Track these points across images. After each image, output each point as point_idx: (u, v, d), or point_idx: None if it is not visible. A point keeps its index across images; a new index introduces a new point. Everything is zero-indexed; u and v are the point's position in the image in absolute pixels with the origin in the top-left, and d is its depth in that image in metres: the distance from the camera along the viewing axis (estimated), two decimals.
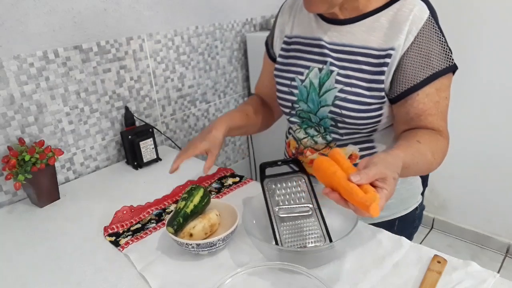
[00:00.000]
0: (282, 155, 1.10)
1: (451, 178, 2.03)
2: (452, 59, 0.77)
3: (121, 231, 0.93)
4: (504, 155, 1.87)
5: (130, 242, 0.88)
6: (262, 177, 0.88)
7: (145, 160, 1.29)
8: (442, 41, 0.76)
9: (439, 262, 0.74)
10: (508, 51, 1.71)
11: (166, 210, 1.02)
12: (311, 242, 0.79)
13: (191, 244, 0.78)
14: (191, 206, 0.83)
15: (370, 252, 0.79)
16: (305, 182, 0.89)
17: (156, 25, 1.40)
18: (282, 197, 0.86)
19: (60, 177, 1.22)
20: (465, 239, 2.16)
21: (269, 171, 0.90)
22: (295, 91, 0.89)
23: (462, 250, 2.09)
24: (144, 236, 0.91)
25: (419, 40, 0.75)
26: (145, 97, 1.43)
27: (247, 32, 1.76)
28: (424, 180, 1.02)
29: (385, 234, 0.84)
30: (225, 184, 1.14)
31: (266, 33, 1.06)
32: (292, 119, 0.94)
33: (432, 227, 2.26)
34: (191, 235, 0.81)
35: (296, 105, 0.91)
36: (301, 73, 0.88)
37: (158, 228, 0.93)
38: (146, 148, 1.28)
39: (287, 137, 1.04)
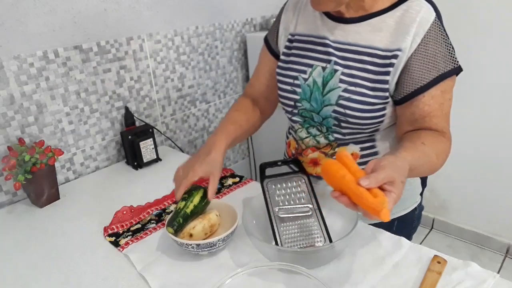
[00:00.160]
0: (282, 155, 1.10)
1: (451, 178, 2.03)
2: (457, 61, 0.77)
3: (121, 231, 0.93)
4: (504, 155, 1.87)
5: (130, 242, 0.88)
6: (262, 178, 0.88)
7: (145, 160, 1.29)
8: (447, 43, 0.77)
9: (439, 262, 0.74)
10: (507, 51, 1.71)
11: (166, 210, 1.02)
12: (311, 242, 0.79)
13: (191, 245, 0.78)
14: (191, 206, 0.83)
15: (370, 252, 0.79)
16: (305, 182, 0.89)
17: (156, 25, 1.40)
18: (282, 198, 0.86)
19: (60, 177, 1.22)
20: (465, 239, 2.16)
21: (269, 171, 0.90)
22: (298, 90, 0.89)
23: (462, 251, 2.09)
24: (144, 236, 0.91)
25: (426, 42, 0.75)
26: (145, 97, 1.43)
27: (247, 32, 1.76)
28: (423, 180, 1.02)
29: (385, 235, 0.84)
30: (225, 184, 1.14)
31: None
32: (294, 118, 0.93)
33: (432, 228, 2.26)
34: (191, 235, 0.81)
35: (298, 104, 0.90)
36: (304, 72, 0.87)
37: (158, 229, 0.93)
38: (146, 148, 1.28)
39: (287, 137, 1.04)
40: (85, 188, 1.19)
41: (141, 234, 0.91)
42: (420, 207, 1.01)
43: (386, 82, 0.78)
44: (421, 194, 1.01)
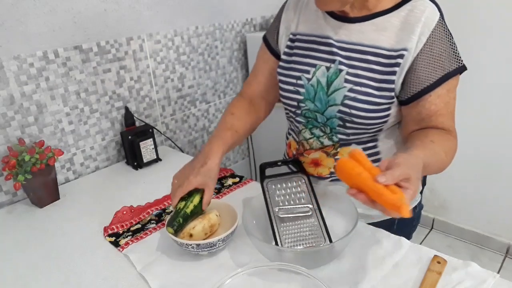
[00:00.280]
0: (282, 155, 1.10)
1: (451, 178, 2.03)
2: (461, 60, 0.78)
3: (121, 232, 0.93)
4: (504, 155, 1.88)
5: (130, 243, 0.88)
6: (262, 178, 0.88)
7: (145, 160, 1.29)
8: (452, 42, 0.77)
9: (439, 262, 0.74)
10: (507, 51, 1.71)
11: (166, 210, 1.02)
12: (311, 242, 0.79)
13: (191, 245, 0.78)
14: (191, 207, 0.82)
15: (370, 252, 0.79)
16: (305, 182, 0.89)
17: (156, 25, 1.40)
18: (282, 198, 0.86)
19: (60, 177, 1.22)
20: (465, 239, 2.16)
21: (269, 171, 0.90)
22: (302, 90, 0.88)
23: (462, 251, 2.09)
24: (144, 236, 0.91)
25: (432, 41, 0.75)
26: (145, 97, 1.43)
27: (247, 32, 1.76)
28: (423, 179, 1.02)
29: (385, 234, 0.84)
30: (225, 185, 1.14)
31: None
32: (298, 118, 0.93)
33: (432, 228, 2.26)
34: (191, 235, 0.81)
35: (302, 104, 0.89)
36: (308, 72, 0.86)
37: (158, 229, 0.93)
38: (146, 148, 1.28)
39: (287, 138, 1.04)
40: (85, 188, 1.19)
41: (141, 234, 0.91)
42: (420, 206, 1.01)
43: (392, 82, 0.78)
44: (421, 192, 1.01)
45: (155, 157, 1.32)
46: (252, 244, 0.79)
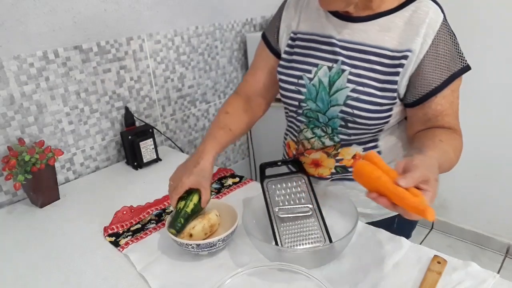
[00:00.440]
0: (282, 155, 1.10)
1: (451, 178, 2.02)
2: (465, 60, 0.78)
3: (121, 231, 0.93)
4: (504, 155, 1.87)
5: (130, 243, 0.88)
6: (262, 178, 0.88)
7: (145, 160, 1.29)
8: (455, 43, 0.77)
9: (439, 262, 0.74)
10: (507, 51, 1.71)
11: (166, 210, 1.02)
12: (311, 242, 0.79)
13: (191, 245, 0.77)
14: (191, 206, 0.82)
15: (370, 252, 0.79)
16: (305, 182, 0.89)
17: (156, 25, 1.40)
18: (282, 198, 0.86)
19: (60, 177, 1.22)
20: (465, 239, 2.16)
21: (269, 171, 0.90)
22: (303, 90, 0.87)
23: (462, 251, 2.09)
24: (144, 236, 0.91)
25: (436, 43, 0.75)
26: (145, 97, 1.43)
27: (247, 32, 1.76)
28: None
29: (385, 234, 0.84)
30: (225, 185, 1.14)
31: None
32: (299, 118, 0.92)
33: (432, 228, 2.26)
34: (191, 235, 0.81)
35: (303, 104, 0.88)
36: (309, 71, 0.86)
37: (158, 229, 0.93)
38: (146, 148, 1.28)
39: (285, 139, 1.03)
40: (85, 188, 1.19)
41: (141, 234, 0.91)
42: None
43: (395, 82, 0.78)
44: None
45: (155, 157, 1.32)
46: (252, 244, 0.79)
